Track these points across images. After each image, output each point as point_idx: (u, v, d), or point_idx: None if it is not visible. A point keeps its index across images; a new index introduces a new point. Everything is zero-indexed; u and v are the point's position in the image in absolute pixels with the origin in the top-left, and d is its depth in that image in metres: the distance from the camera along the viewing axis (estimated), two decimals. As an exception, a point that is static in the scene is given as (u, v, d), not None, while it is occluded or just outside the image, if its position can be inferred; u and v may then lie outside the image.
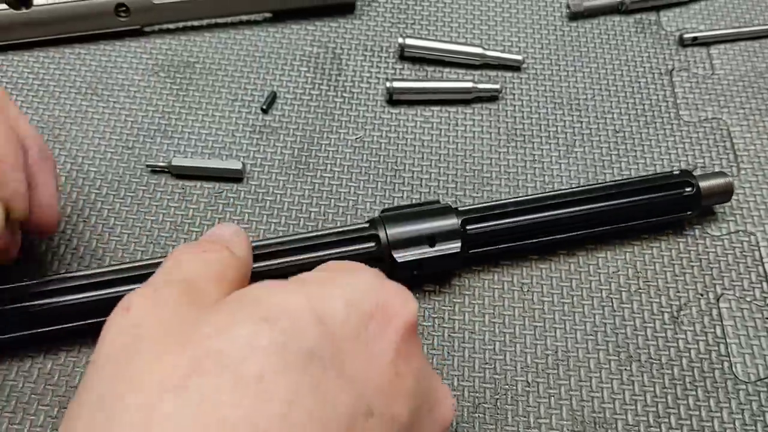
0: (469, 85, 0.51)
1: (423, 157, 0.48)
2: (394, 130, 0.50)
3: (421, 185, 0.47)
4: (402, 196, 0.46)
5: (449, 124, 0.50)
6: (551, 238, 0.43)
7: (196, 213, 0.45)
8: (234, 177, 0.46)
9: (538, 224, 0.43)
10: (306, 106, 0.50)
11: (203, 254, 0.30)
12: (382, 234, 0.40)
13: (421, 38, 0.54)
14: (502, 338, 0.41)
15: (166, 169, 0.46)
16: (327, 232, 0.41)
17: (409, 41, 0.53)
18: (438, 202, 0.43)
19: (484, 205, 0.43)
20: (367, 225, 0.41)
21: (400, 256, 0.40)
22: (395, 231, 0.40)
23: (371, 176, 0.47)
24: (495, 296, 0.42)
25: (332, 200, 0.46)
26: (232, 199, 0.45)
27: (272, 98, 0.48)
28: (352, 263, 0.33)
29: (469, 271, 0.43)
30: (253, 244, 0.40)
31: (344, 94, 0.51)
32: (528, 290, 0.43)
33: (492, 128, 0.50)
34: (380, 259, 0.40)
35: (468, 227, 0.42)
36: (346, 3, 0.56)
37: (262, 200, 0.45)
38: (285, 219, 0.45)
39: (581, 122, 0.51)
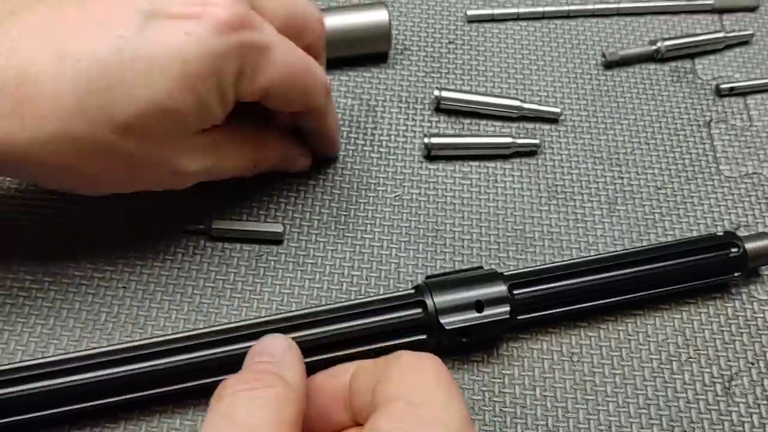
0: (509, 140, 0.50)
1: (463, 217, 0.47)
2: (433, 187, 0.49)
3: (463, 246, 0.46)
4: (444, 258, 0.45)
5: (488, 181, 0.49)
6: (599, 303, 0.42)
7: (237, 277, 0.43)
8: (274, 240, 0.45)
9: (586, 288, 0.42)
10: (343, 162, 0.49)
11: (256, 392, 0.29)
12: (429, 301, 0.39)
13: (457, 90, 0.53)
14: (555, 413, 0.40)
15: (204, 231, 0.44)
16: (372, 299, 0.40)
17: (445, 93, 0.52)
18: (482, 267, 0.43)
19: (531, 269, 0.42)
20: (413, 291, 0.40)
21: (448, 322, 0.39)
22: (442, 297, 0.40)
23: (412, 237, 0.46)
24: (545, 367, 0.41)
25: (374, 263, 0.45)
26: (272, 263, 0.44)
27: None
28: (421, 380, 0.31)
29: (517, 339, 0.42)
30: (297, 313, 0.39)
31: (381, 149, 0.50)
32: (578, 360, 0.42)
33: (532, 185, 0.49)
34: (427, 326, 0.39)
35: (515, 292, 0.41)
36: (379, 53, 0.55)
37: (303, 264, 0.44)
38: (327, 283, 0.44)
39: (622, 178, 0.50)
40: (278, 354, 0.32)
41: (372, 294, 0.43)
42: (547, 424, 0.40)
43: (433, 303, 0.39)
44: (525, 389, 0.41)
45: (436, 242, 0.46)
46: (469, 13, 0.58)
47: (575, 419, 0.40)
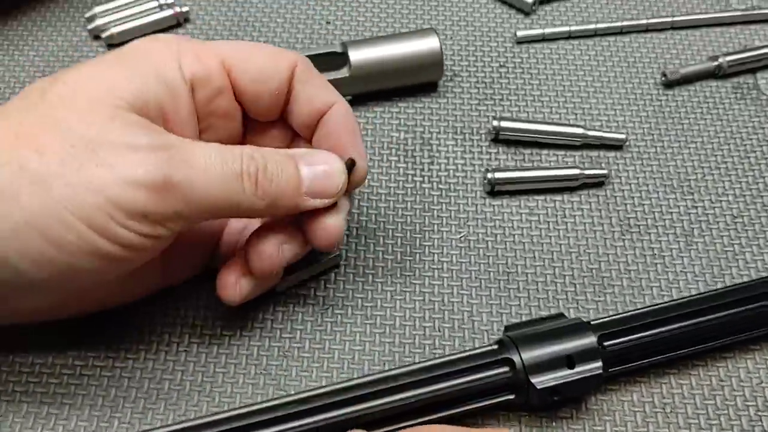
0: (576, 171, 0.47)
1: (534, 257, 0.45)
2: (499, 225, 0.46)
3: (537, 290, 0.43)
4: (519, 304, 0.43)
5: (557, 216, 0.47)
6: (691, 350, 0.40)
7: (304, 335, 0.41)
8: (334, 264, 0.42)
9: (677, 336, 0.39)
10: (402, 201, 0.47)
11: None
12: (516, 357, 0.37)
13: (515, 120, 0.50)
14: (654, 473, 0.37)
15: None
16: (453, 357, 0.37)
17: (505, 124, 0.49)
18: (563, 315, 0.40)
19: (618, 317, 0.40)
20: (496, 347, 0.38)
21: (540, 381, 0.37)
22: (531, 353, 0.37)
23: (482, 282, 0.43)
24: (638, 421, 0.39)
25: (445, 312, 0.42)
26: (339, 317, 0.42)
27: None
28: None
29: (605, 391, 0.40)
30: (374, 377, 0.36)
31: (440, 186, 0.48)
32: (672, 411, 0.39)
33: (603, 218, 0.47)
34: (516, 385, 0.37)
35: (605, 344, 0.38)
36: (429, 82, 0.52)
37: (372, 316, 0.42)
38: (399, 337, 0.41)
39: (696, 208, 0.47)
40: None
41: (448, 347, 0.41)
42: (647, 486, 0.37)
43: (521, 360, 0.37)
44: (620, 447, 0.38)
45: (509, 286, 0.43)
46: (519, 33, 0.56)
47: (677, 479, 0.37)
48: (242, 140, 0.40)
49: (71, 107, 0.32)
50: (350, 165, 0.37)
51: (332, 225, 0.37)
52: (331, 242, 0.38)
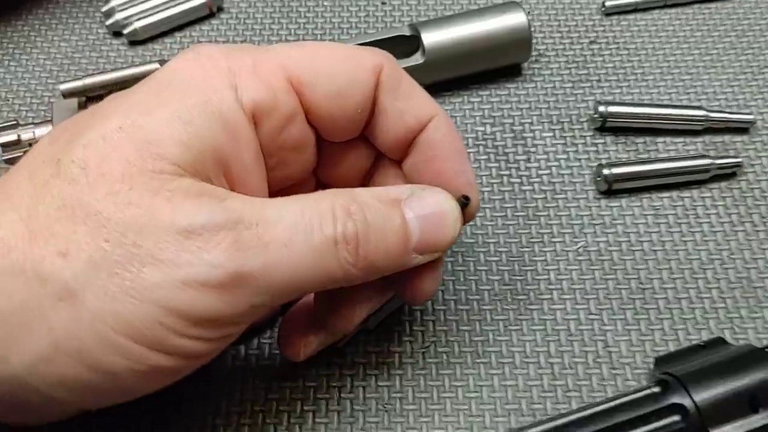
0: (706, 161, 0.39)
1: (671, 268, 0.37)
2: (623, 231, 0.38)
3: (682, 309, 0.35)
4: (662, 328, 0.35)
5: (689, 217, 0.39)
6: None
7: (418, 392, 0.33)
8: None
9: None
10: (500, 209, 0.39)
11: None
12: (687, 401, 0.29)
13: (623, 104, 0.42)
14: None
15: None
16: (603, 407, 0.29)
17: (612, 109, 0.41)
18: (723, 340, 0.32)
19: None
20: (658, 389, 0.30)
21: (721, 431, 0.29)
22: (705, 395, 0.29)
23: (614, 303, 0.35)
24: (837, 471, 0.31)
25: (574, 344, 0.34)
26: (444, 357, 0.34)
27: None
28: None
29: (788, 434, 0.32)
30: None
31: (543, 188, 0.40)
32: None
33: (743, 216, 0.39)
34: (688, 437, 0.29)
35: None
36: (513, 65, 0.44)
37: (485, 353, 0.34)
38: (522, 379, 0.33)
39: None
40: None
41: (585, 389, 0.33)
42: None
43: (695, 405, 0.29)
44: (819, 507, 0.30)
45: (647, 306, 0.35)
46: (608, 4, 0.48)
47: None
48: (315, 170, 0.32)
49: (97, 183, 0.23)
50: (464, 203, 0.29)
51: (431, 283, 0.30)
52: (428, 298, 0.30)
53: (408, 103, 0.29)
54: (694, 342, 0.34)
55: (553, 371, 0.33)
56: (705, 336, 0.34)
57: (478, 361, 0.34)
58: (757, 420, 0.29)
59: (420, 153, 0.30)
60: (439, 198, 0.28)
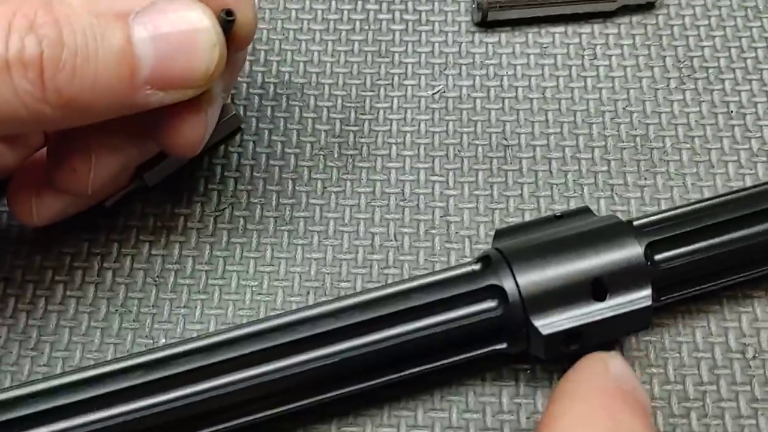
0: (613, -13, 0.31)
1: (547, 121, 0.29)
2: (494, 73, 0.30)
3: (550, 173, 0.28)
4: (521, 194, 0.28)
5: (583, 58, 0.31)
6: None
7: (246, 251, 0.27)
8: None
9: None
10: (346, 41, 0.31)
11: None
12: (508, 284, 0.22)
13: None
14: (730, 458, 0.24)
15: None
16: (408, 286, 0.23)
17: None
18: (589, 210, 0.25)
19: (678, 212, 0.25)
20: (477, 267, 0.23)
21: (546, 323, 0.22)
22: (533, 277, 0.22)
23: (465, 161, 0.28)
24: (702, 373, 0.25)
25: (405, 210, 0.27)
26: (242, 222, 0.27)
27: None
28: None
29: (653, 328, 0.25)
30: (301, 315, 0.22)
31: (406, 17, 0.31)
32: (757, 356, 0.25)
33: (653, 59, 0.31)
34: (507, 328, 0.23)
35: (659, 257, 0.23)
36: None
37: (293, 220, 0.27)
38: (332, 252, 0.26)
39: (797, 38, 0.31)
40: None
41: (408, 266, 0.26)
42: (718, 480, 0.23)
43: (517, 288, 0.22)
44: (674, 416, 0.24)
45: (506, 167, 0.28)
46: None
47: (767, 469, 0.23)
48: None
49: None
50: (227, 20, 0.22)
51: (192, 130, 0.23)
52: (192, 149, 0.23)
53: None
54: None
55: (373, 243, 0.27)
56: (574, 206, 0.27)
57: (283, 228, 0.27)
58: (600, 311, 0.23)
59: None
60: (187, 13, 0.21)
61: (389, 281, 0.26)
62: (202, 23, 0.21)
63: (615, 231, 0.23)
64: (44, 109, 0.20)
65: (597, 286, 0.23)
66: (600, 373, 0.21)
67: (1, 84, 0.19)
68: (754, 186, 0.26)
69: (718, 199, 0.25)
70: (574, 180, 0.28)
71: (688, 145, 0.29)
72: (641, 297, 0.23)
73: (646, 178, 0.28)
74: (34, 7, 0.19)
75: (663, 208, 0.27)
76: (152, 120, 0.23)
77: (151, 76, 0.21)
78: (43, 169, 0.24)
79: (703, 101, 0.30)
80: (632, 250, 0.23)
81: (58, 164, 0.23)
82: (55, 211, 0.24)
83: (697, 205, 0.25)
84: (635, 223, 0.24)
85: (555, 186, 0.28)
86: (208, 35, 0.21)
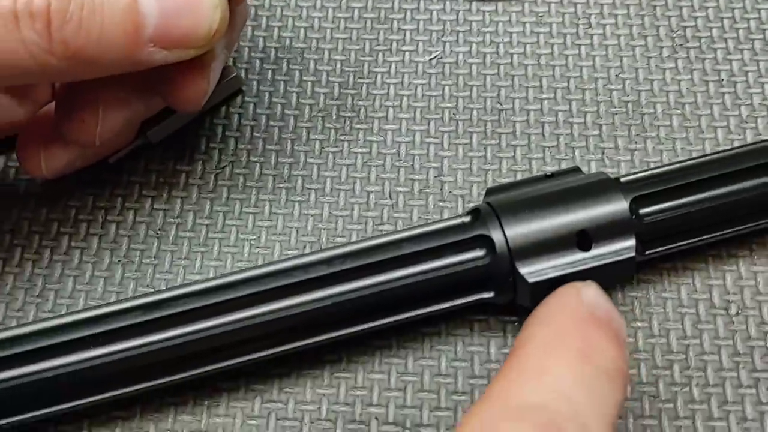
0: (608, -43, 0.31)
1: (540, 86, 0.30)
2: (491, 41, 0.31)
3: (543, 135, 0.29)
4: (513, 156, 0.28)
5: (577, 26, 0.31)
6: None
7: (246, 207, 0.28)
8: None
9: (756, 198, 0.25)
10: (346, 8, 0.32)
11: None
12: (496, 234, 0.23)
13: None
14: (708, 404, 0.24)
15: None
16: (399, 236, 0.24)
17: None
18: (578, 169, 0.26)
19: (663, 170, 0.25)
20: (468, 219, 0.24)
21: (533, 271, 0.23)
22: (519, 228, 0.23)
23: (461, 125, 0.29)
24: (686, 327, 0.25)
25: (401, 170, 0.28)
26: (242, 179, 0.28)
27: None
28: None
29: (638, 283, 0.26)
30: (295, 262, 0.23)
31: (405, -15, 0.32)
32: (741, 312, 0.26)
33: (647, 27, 0.31)
34: (495, 278, 0.23)
35: (642, 211, 0.24)
36: None
37: (291, 178, 0.28)
38: (329, 209, 0.27)
39: (789, 9, 0.32)
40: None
41: (401, 222, 0.27)
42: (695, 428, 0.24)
43: (505, 238, 0.23)
44: (657, 368, 0.25)
45: (500, 130, 0.29)
46: None
47: (742, 415, 0.24)
48: None
49: None
50: None
51: (196, 87, 0.24)
52: (194, 104, 0.24)
53: None
54: (547, 173, 0.27)
55: (368, 201, 0.27)
56: (565, 167, 0.28)
57: (281, 185, 0.28)
58: (585, 260, 0.23)
59: None
60: None
61: (383, 237, 0.27)
62: None
63: (602, 186, 0.24)
64: (51, 60, 0.20)
65: (582, 237, 0.23)
66: (573, 299, 0.21)
67: (9, 34, 0.20)
68: (740, 146, 0.26)
69: (704, 158, 0.26)
70: (566, 143, 0.29)
71: (679, 111, 0.29)
72: (625, 248, 0.24)
73: (636, 142, 0.29)
74: None
75: (642, 167, 0.27)
76: (157, 75, 0.24)
77: (155, 34, 0.21)
78: (51, 123, 0.25)
79: (695, 69, 0.30)
80: (617, 204, 0.24)
81: (66, 116, 0.24)
82: (63, 163, 0.25)
83: (684, 163, 0.26)
84: (623, 179, 0.25)
85: (547, 149, 0.29)
86: None
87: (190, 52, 0.22)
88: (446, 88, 0.30)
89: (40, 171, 0.25)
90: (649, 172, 0.25)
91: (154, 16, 0.21)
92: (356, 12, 0.31)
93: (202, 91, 0.24)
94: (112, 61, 0.21)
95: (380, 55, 0.31)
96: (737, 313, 0.26)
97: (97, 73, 0.22)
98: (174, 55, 0.22)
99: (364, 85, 0.30)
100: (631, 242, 0.24)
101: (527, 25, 0.31)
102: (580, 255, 0.23)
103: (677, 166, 0.25)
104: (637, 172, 0.25)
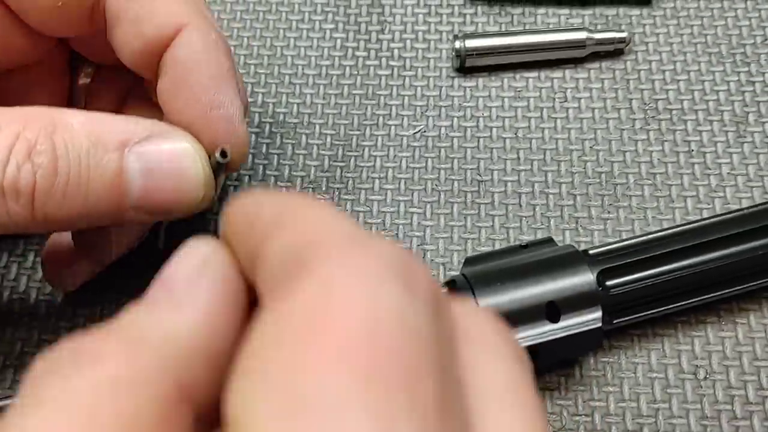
0: (582, 35, 0.33)
1: (519, 159, 0.32)
2: (471, 115, 0.33)
3: (520, 205, 0.31)
4: (492, 226, 0.30)
5: (553, 100, 0.33)
6: (744, 287, 0.27)
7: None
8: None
9: (722, 269, 0.26)
10: (336, 85, 0.34)
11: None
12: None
13: (500, -34, 0.36)
14: (678, 472, 0.25)
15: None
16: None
17: (484, -28, 0.35)
18: (551, 240, 0.27)
19: (630, 242, 0.27)
20: (444, 290, 0.26)
21: (505, 343, 0.25)
22: (492, 299, 0.25)
23: (442, 195, 0.31)
24: (656, 392, 0.27)
25: (385, 236, 0.30)
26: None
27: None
28: None
29: (610, 348, 0.27)
30: None
31: (392, 63, 0.34)
32: (707, 376, 0.27)
33: (620, 101, 0.33)
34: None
35: (609, 283, 0.26)
36: None
37: (281, 247, 0.30)
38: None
39: (753, 83, 0.33)
40: (180, 286, 0.16)
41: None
42: (666, 491, 0.25)
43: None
44: (627, 431, 0.26)
45: (479, 201, 0.31)
46: None
47: (712, 482, 0.25)
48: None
49: None
50: (220, 162, 0.23)
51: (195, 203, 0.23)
52: (206, 209, 0.25)
53: (146, 6, 0.23)
54: (522, 242, 0.29)
55: (354, 269, 0.29)
56: (540, 237, 0.30)
57: (273, 254, 0.29)
58: (554, 331, 0.25)
59: (169, 76, 0.23)
60: (180, 151, 0.22)
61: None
62: (191, 161, 0.22)
63: (570, 259, 0.26)
64: (32, 226, 0.21)
65: (551, 309, 0.25)
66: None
67: None
68: (703, 219, 0.28)
69: (669, 231, 0.27)
70: (541, 213, 0.30)
71: (650, 182, 0.31)
72: (592, 319, 0.25)
73: (609, 212, 0.30)
74: (36, 130, 0.20)
75: (621, 238, 0.29)
76: None
77: (138, 203, 0.22)
78: (70, 246, 0.27)
79: (666, 141, 0.32)
80: (585, 277, 0.25)
81: (83, 241, 0.26)
82: (84, 277, 0.27)
83: (650, 236, 0.27)
84: (591, 251, 0.26)
85: (524, 218, 0.30)
86: (197, 175, 0.22)
87: (175, 215, 0.23)
88: (429, 160, 0.32)
89: (65, 286, 0.27)
90: (616, 245, 0.27)
91: (138, 188, 0.21)
92: (345, 88, 0.34)
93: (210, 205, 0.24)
94: (94, 222, 0.22)
95: (368, 129, 0.32)
96: (705, 378, 0.27)
97: (80, 226, 0.23)
98: (157, 218, 0.23)
99: (352, 158, 0.32)
100: (598, 314, 0.25)
101: (506, 100, 0.33)
102: (549, 326, 0.25)
103: (643, 238, 0.27)
104: (605, 245, 0.27)
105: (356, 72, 0.34)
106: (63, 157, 0.20)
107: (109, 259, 0.26)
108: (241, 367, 0.13)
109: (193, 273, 0.16)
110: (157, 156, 0.22)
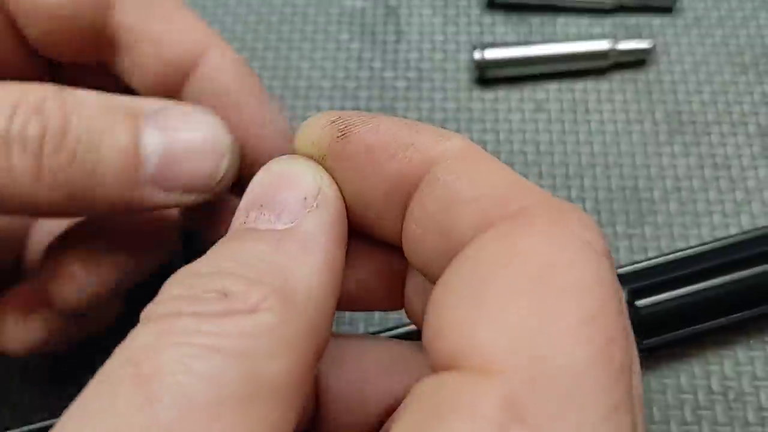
0: (605, 45, 0.33)
1: (541, 171, 0.31)
2: (490, 127, 0.32)
3: (544, 221, 0.30)
4: (515, 242, 0.29)
5: (575, 112, 0.32)
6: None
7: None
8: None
9: (753, 287, 0.26)
10: (352, 96, 0.33)
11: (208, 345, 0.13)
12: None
13: (518, -26, 0.35)
14: (711, 498, 0.25)
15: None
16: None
17: (502, -20, 0.34)
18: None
19: (662, 261, 0.26)
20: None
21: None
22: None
23: (464, 210, 0.30)
24: (686, 413, 0.26)
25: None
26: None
27: None
28: None
29: (641, 369, 0.27)
30: None
31: (408, 74, 0.34)
32: (737, 397, 0.26)
33: (643, 113, 0.32)
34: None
35: (640, 303, 0.25)
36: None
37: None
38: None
39: (781, 93, 0.33)
40: (293, 208, 0.15)
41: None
42: None
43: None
44: (658, 456, 0.26)
45: (502, 216, 0.30)
46: None
47: None
48: None
49: None
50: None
51: None
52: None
53: (165, 29, 0.22)
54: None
55: (375, 288, 0.29)
56: (565, 253, 0.29)
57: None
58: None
59: (202, 98, 0.22)
60: (202, 118, 0.20)
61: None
62: (217, 130, 0.21)
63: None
64: (38, 190, 0.19)
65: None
66: None
67: None
68: (733, 235, 0.27)
69: (698, 248, 0.27)
70: (565, 229, 0.30)
71: (675, 196, 0.30)
72: (624, 342, 0.24)
73: (634, 228, 0.30)
74: (44, 92, 0.19)
75: (650, 255, 0.28)
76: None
77: (156, 174, 0.20)
78: (33, 286, 0.24)
79: (691, 154, 0.31)
80: (616, 298, 0.25)
81: (53, 269, 0.23)
82: (40, 335, 0.24)
83: (679, 254, 0.26)
84: (619, 271, 0.26)
85: (547, 234, 0.30)
86: (221, 143, 0.21)
87: (192, 197, 0.21)
88: (450, 175, 0.31)
89: (13, 344, 0.23)
90: (646, 264, 0.26)
91: (156, 155, 0.20)
92: (363, 101, 0.33)
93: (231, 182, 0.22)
94: (106, 199, 0.20)
95: (386, 142, 0.32)
96: (735, 399, 0.26)
97: (87, 211, 0.20)
98: (173, 199, 0.20)
99: (371, 173, 0.31)
100: (629, 335, 0.24)
101: (527, 112, 0.32)
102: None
103: (672, 257, 0.26)
104: (635, 263, 0.26)
105: (372, 83, 0.33)
106: (74, 115, 0.19)
107: (76, 308, 0.22)
108: (464, 300, 0.13)
109: (310, 201, 0.15)
110: (175, 123, 0.20)
